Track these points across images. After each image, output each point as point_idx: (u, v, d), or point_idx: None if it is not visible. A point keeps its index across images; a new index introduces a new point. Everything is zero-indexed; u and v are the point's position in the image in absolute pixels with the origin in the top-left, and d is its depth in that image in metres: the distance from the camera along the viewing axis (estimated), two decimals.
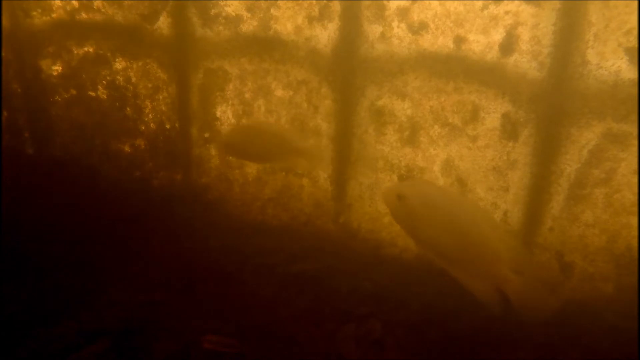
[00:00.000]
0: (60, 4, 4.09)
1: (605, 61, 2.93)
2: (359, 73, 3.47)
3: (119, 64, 4.09)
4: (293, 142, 3.24)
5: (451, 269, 2.54)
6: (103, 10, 3.99)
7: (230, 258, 3.50)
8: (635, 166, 2.98)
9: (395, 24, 3.30)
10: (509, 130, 3.21)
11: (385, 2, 3.28)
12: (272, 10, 3.56)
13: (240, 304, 2.99)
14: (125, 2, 3.90)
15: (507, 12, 3.05)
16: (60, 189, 3.86)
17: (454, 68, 3.24)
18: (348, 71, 3.49)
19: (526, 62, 3.08)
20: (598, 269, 3.24)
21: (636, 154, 2.96)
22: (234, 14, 3.66)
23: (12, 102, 4.46)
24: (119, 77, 4.12)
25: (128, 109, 4.17)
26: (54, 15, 4.14)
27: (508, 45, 3.10)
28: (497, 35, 3.11)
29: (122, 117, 4.19)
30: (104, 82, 4.17)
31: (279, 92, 3.71)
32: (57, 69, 4.27)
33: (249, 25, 3.64)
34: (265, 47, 3.65)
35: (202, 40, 3.81)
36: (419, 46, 3.28)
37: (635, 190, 3.02)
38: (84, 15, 4.05)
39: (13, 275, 3.04)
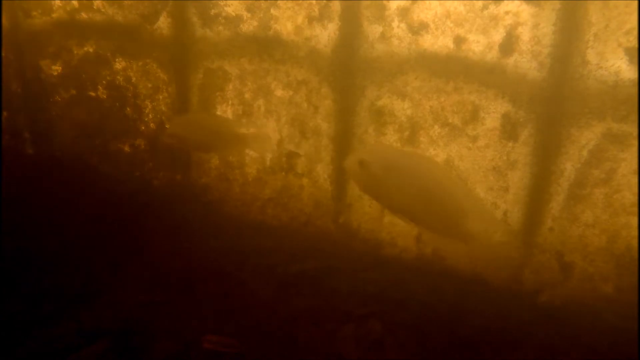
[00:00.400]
0: (60, 4, 4.09)
1: (605, 61, 2.93)
2: (359, 73, 3.47)
3: (119, 64, 4.10)
4: (235, 130, 3.44)
5: (421, 229, 2.61)
6: (103, 10, 3.99)
7: (230, 258, 3.50)
8: (635, 166, 2.98)
9: (395, 24, 3.30)
10: (509, 130, 3.21)
11: (385, 2, 3.28)
12: (272, 10, 3.56)
13: (240, 304, 2.99)
14: (125, 2, 3.90)
15: (507, 12, 3.05)
16: (60, 189, 3.86)
17: (454, 68, 3.24)
18: (348, 71, 3.50)
19: (526, 62, 3.08)
20: (598, 269, 3.24)
21: (636, 154, 2.96)
22: (234, 14, 3.66)
23: (12, 102, 4.45)
24: (119, 77, 4.12)
25: (128, 109, 4.17)
26: (54, 15, 4.14)
27: (508, 46, 3.10)
28: (497, 36, 3.11)
29: (122, 117, 4.19)
30: (104, 82, 4.17)
31: (279, 92, 3.71)
32: (57, 69, 4.27)
33: (249, 25, 3.65)
34: (265, 47, 3.65)
35: (202, 40, 3.81)
36: (419, 46, 3.28)
37: (635, 190, 3.02)
38: (84, 16, 4.06)
39: (13, 275, 3.04)
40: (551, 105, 3.09)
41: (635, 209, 3.05)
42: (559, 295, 3.07)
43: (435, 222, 2.44)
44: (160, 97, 4.06)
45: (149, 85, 4.06)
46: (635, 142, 2.95)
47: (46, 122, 4.43)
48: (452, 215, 2.40)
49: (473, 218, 2.40)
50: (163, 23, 3.88)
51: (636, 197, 3.03)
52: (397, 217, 2.67)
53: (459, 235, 2.42)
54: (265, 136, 3.67)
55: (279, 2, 3.52)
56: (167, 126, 4.00)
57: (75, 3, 4.03)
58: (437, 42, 3.24)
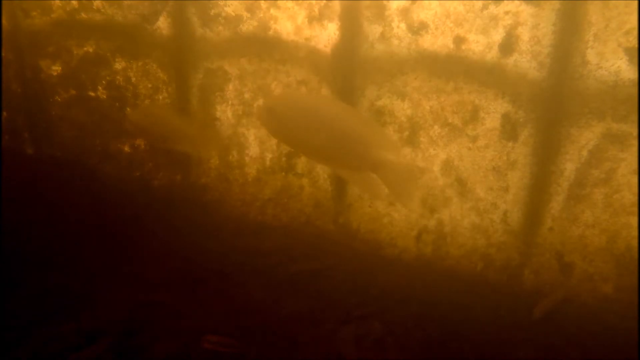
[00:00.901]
0: (60, 4, 4.09)
1: (605, 61, 2.93)
2: (359, 73, 3.47)
3: (119, 64, 4.10)
4: (186, 127, 3.61)
5: (334, 168, 2.80)
6: (103, 10, 3.99)
7: (229, 258, 3.50)
8: (635, 166, 2.98)
9: (395, 24, 3.30)
10: (509, 130, 3.21)
11: (385, 2, 3.28)
12: (272, 10, 3.56)
13: (240, 304, 2.99)
14: (125, 2, 3.90)
15: (506, 12, 3.05)
16: (60, 189, 3.86)
17: (453, 68, 3.24)
18: (348, 71, 3.50)
19: (526, 62, 3.09)
20: (598, 269, 3.24)
21: (636, 154, 2.96)
22: (233, 14, 3.66)
23: (11, 103, 4.45)
24: (118, 77, 4.12)
25: (128, 109, 4.17)
26: (53, 15, 4.14)
27: (508, 46, 3.10)
28: (497, 36, 3.11)
29: (122, 118, 4.19)
30: (103, 82, 4.16)
31: (279, 92, 3.71)
32: (56, 69, 4.27)
33: (249, 26, 3.65)
34: (265, 47, 3.65)
35: (202, 40, 3.81)
36: (419, 46, 3.29)
37: (635, 190, 3.02)
38: (83, 16, 4.05)
39: (13, 275, 3.04)
40: (551, 105, 3.09)
41: (635, 209, 3.05)
42: (549, 303, 3.08)
43: (344, 157, 2.59)
44: (160, 97, 4.06)
45: (149, 85, 4.06)
46: (635, 142, 2.95)
47: (46, 122, 4.43)
48: (358, 148, 2.56)
49: (377, 147, 2.58)
50: (163, 23, 3.88)
51: (636, 197, 3.03)
52: (308, 158, 2.84)
53: (366, 166, 2.59)
54: (210, 138, 3.87)
55: (278, 2, 3.52)
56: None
57: (75, 3, 4.03)
58: (437, 42, 3.24)
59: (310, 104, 2.66)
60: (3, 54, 4.32)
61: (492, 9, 3.08)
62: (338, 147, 2.56)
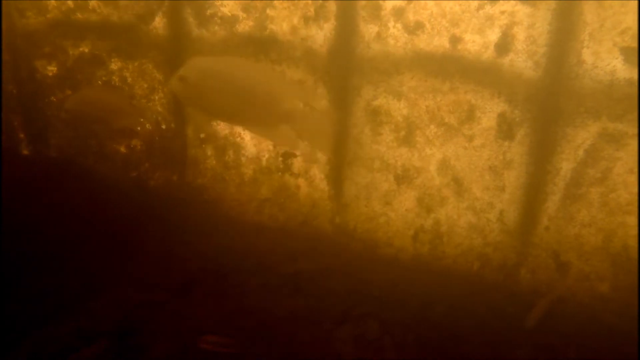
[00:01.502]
0: (55, 5, 4.08)
1: (601, 61, 2.94)
2: (355, 73, 3.47)
3: (115, 64, 4.09)
4: (123, 103, 3.84)
5: (251, 129, 2.90)
6: (98, 10, 3.98)
7: (227, 258, 3.50)
8: (631, 165, 2.99)
9: (391, 24, 3.31)
10: (505, 129, 3.22)
11: (381, 2, 3.28)
12: (268, 11, 3.56)
13: (237, 304, 2.99)
14: (121, 2, 3.89)
15: (502, 12, 3.06)
16: (57, 190, 3.85)
17: (449, 68, 3.24)
18: (344, 71, 3.50)
19: (522, 61, 3.09)
20: (594, 269, 3.25)
21: (632, 153, 2.97)
22: (229, 14, 3.66)
23: (7, 103, 4.44)
24: (114, 78, 4.11)
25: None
26: (49, 15, 4.13)
27: (504, 45, 3.11)
28: (493, 35, 3.12)
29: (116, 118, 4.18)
30: (99, 82, 4.16)
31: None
32: (52, 69, 4.26)
33: (245, 26, 3.64)
34: (261, 47, 3.64)
35: (198, 40, 3.81)
36: (415, 46, 3.29)
37: (631, 189, 3.03)
38: (79, 16, 4.05)
39: (12, 276, 3.03)
40: (547, 104, 3.10)
41: (631, 208, 3.06)
42: (541, 310, 3.08)
43: (258, 115, 2.69)
44: (156, 97, 4.06)
45: (145, 85, 4.05)
46: (631, 141, 2.96)
47: (42, 122, 4.42)
48: (271, 104, 2.67)
49: (288, 99, 2.71)
50: (159, 23, 3.87)
51: (632, 196, 3.04)
52: (223, 121, 3.28)
53: (280, 119, 2.70)
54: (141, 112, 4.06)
55: (274, 2, 3.52)
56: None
57: (70, 3, 4.03)
58: (433, 41, 3.24)
59: (222, 68, 2.71)
60: None
61: (488, 8, 3.08)
62: (253, 106, 2.65)
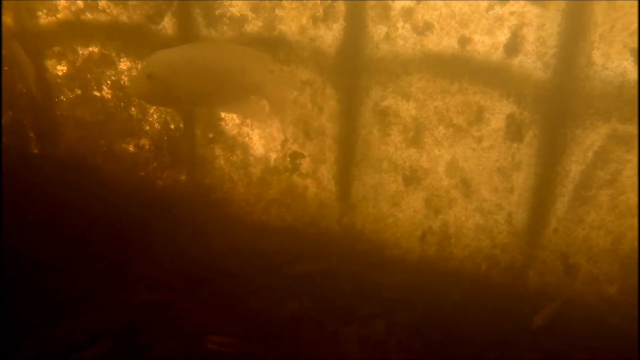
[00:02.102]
0: (65, 4, 4.10)
1: (611, 62, 2.92)
2: (364, 74, 3.47)
3: (124, 64, 4.10)
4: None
5: (222, 108, 2.89)
6: (108, 10, 3.99)
7: (233, 258, 3.50)
8: None
9: (400, 24, 3.30)
10: (514, 131, 3.20)
11: (390, 2, 3.28)
12: (276, 11, 3.56)
13: (243, 305, 2.99)
14: (130, 2, 3.91)
15: (512, 13, 3.04)
16: (65, 189, 3.87)
17: (458, 69, 3.23)
18: (352, 72, 3.49)
19: (531, 63, 3.08)
20: (602, 271, 3.23)
21: None
22: (238, 14, 3.66)
23: (17, 102, 4.47)
24: (123, 77, 4.13)
25: (132, 109, 4.17)
26: (59, 15, 4.15)
27: (513, 46, 3.09)
28: (502, 36, 3.10)
29: (127, 117, 4.20)
30: (108, 82, 4.17)
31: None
32: (62, 69, 4.28)
33: (254, 26, 3.65)
34: (270, 47, 3.64)
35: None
36: (424, 47, 3.28)
37: None
38: (89, 16, 4.06)
39: (15, 275, 3.04)
40: (556, 106, 3.08)
41: None
42: (549, 312, 3.07)
43: (229, 93, 2.71)
44: None
45: None
46: None
47: (51, 122, 4.45)
48: (240, 79, 2.69)
49: (255, 69, 2.74)
50: (168, 23, 3.88)
51: None
52: (194, 108, 3.31)
53: (250, 91, 2.73)
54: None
55: (283, 2, 3.52)
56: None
57: (80, 3, 4.04)
58: (442, 42, 3.23)
59: (186, 55, 2.68)
60: (8, 54, 4.33)
61: (498, 9, 3.07)
62: (222, 85, 2.66)
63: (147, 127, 4.18)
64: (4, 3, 4.22)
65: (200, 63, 2.62)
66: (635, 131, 2.93)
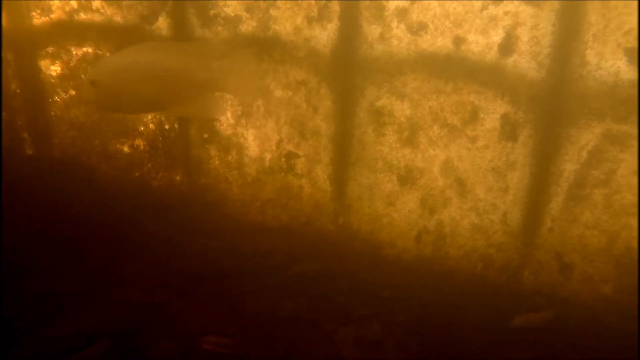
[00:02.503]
0: (59, 5, 4.08)
1: (605, 62, 2.93)
2: (358, 74, 3.47)
3: None
4: None
5: (175, 111, 2.91)
6: (102, 10, 3.98)
7: (229, 259, 3.50)
8: (635, 167, 2.98)
9: (394, 24, 3.30)
10: (508, 131, 3.21)
11: (384, 2, 3.28)
12: (271, 11, 3.55)
13: (239, 305, 2.99)
14: (124, 2, 3.90)
15: (506, 13, 3.05)
16: (60, 190, 3.86)
17: (453, 69, 3.24)
18: (347, 72, 3.49)
19: (525, 62, 3.08)
20: (597, 270, 3.24)
21: (636, 155, 2.96)
22: (232, 14, 3.66)
23: (10, 103, 4.45)
24: None
25: None
26: (53, 15, 4.14)
27: (507, 46, 3.10)
28: (497, 36, 3.11)
29: (121, 118, 4.19)
30: None
31: (278, 93, 3.71)
32: (56, 69, 4.26)
33: (248, 26, 3.64)
34: (264, 47, 3.64)
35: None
36: (418, 47, 3.28)
37: (635, 191, 3.02)
38: (82, 16, 4.05)
39: (12, 275, 3.04)
40: (550, 105, 3.09)
41: (635, 210, 3.05)
42: (532, 318, 3.07)
43: (179, 93, 2.67)
44: None
45: None
46: (635, 143, 2.95)
47: (45, 122, 4.43)
48: (189, 75, 2.64)
49: (201, 65, 2.68)
50: (162, 23, 3.87)
51: (635, 198, 3.03)
52: (146, 112, 3.23)
53: (201, 87, 2.68)
54: None
55: (278, 2, 3.52)
56: None
57: (74, 3, 4.03)
58: (436, 42, 3.24)
59: (132, 59, 2.66)
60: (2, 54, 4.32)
61: (492, 9, 3.07)
62: (173, 86, 2.61)
63: (142, 128, 4.17)
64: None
65: (142, 66, 2.59)
66: (630, 130, 2.95)
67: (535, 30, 3.02)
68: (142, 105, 2.79)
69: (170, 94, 2.64)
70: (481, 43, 3.14)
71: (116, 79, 2.54)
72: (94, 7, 4.00)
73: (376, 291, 3.28)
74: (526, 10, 3.01)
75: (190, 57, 2.68)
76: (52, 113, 4.38)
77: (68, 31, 4.14)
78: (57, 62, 4.24)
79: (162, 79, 2.59)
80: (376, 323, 2.92)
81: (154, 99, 2.63)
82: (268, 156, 3.88)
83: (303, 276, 3.38)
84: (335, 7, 3.40)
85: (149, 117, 4.12)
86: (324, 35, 3.48)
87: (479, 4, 3.08)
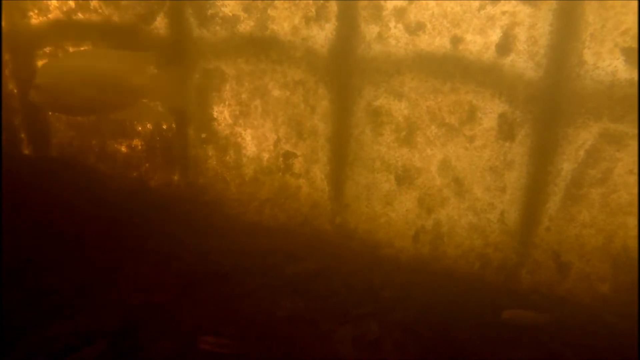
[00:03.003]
0: (56, 5, 4.08)
1: (602, 61, 2.94)
2: (356, 73, 3.47)
3: None
4: None
5: (115, 115, 3.28)
6: (100, 10, 3.98)
7: (227, 259, 3.50)
8: (632, 166, 2.99)
9: (392, 24, 3.30)
10: (506, 130, 3.22)
11: (382, 2, 3.28)
12: (269, 11, 3.56)
13: (237, 305, 2.99)
14: (122, 2, 3.90)
15: (503, 13, 3.05)
16: (58, 190, 3.85)
17: (450, 68, 3.24)
18: (345, 71, 3.50)
19: (523, 62, 3.09)
20: (594, 269, 3.24)
21: (632, 154, 2.97)
22: (230, 14, 3.66)
23: (8, 103, 4.45)
24: None
25: None
26: (50, 15, 4.14)
27: (505, 46, 3.10)
28: (494, 36, 3.11)
29: (119, 117, 4.18)
30: None
31: (275, 93, 3.71)
32: None
33: (246, 26, 3.64)
34: (262, 47, 3.65)
35: (199, 40, 3.81)
36: (416, 46, 3.29)
37: (632, 190, 3.02)
38: (80, 16, 4.05)
39: (10, 275, 3.03)
40: (548, 105, 3.10)
41: (632, 209, 3.06)
42: (523, 314, 3.07)
43: (117, 98, 2.87)
44: None
45: None
46: (631, 142, 2.96)
47: (42, 122, 4.43)
48: (124, 81, 2.84)
49: (135, 73, 2.88)
50: (160, 23, 3.87)
51: (632, 197, 3.04)
52: (89, 115, 3.48)
53: (137, 94, 2.88)
54: None
55: (275, 2, 3.52)
56: None
57: (71, 3, 4.03)
58: (434, 42, 3.24)
59: (72, 64, 2.90)
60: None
61: (489, 9, 3.08)
62: (110, 91, 2.81)
63: (140, 128, 4.17)
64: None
65: (82, 71, 2.73)
66: (627, 130, 2.95)
67: (532, 30, 3.03)
68: (84, 108, 2.98)
69: (109, 98, 2.78)
70: (479, 43, 3.15)
71: (58, 82, 2.73)
72: (91, 7, 3.99)
73: (374, 291, 3.28)
74: (524, 10, 3.02)
75: (122, 66, 2.84)
76: (50, 113, 4.38)
77: (66, 31, 4.13)
78: None
79: (101, 84, 2.73)
80: (374, 322, 2.92)
81: (94, 102, 2.79)
82: (266, 156, 3.88)
83: (301, 276, 3.38)
84: (333, 7, 3.41)
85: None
86: (322, 35, 3.49)
87: (476, 3, 3.09)
